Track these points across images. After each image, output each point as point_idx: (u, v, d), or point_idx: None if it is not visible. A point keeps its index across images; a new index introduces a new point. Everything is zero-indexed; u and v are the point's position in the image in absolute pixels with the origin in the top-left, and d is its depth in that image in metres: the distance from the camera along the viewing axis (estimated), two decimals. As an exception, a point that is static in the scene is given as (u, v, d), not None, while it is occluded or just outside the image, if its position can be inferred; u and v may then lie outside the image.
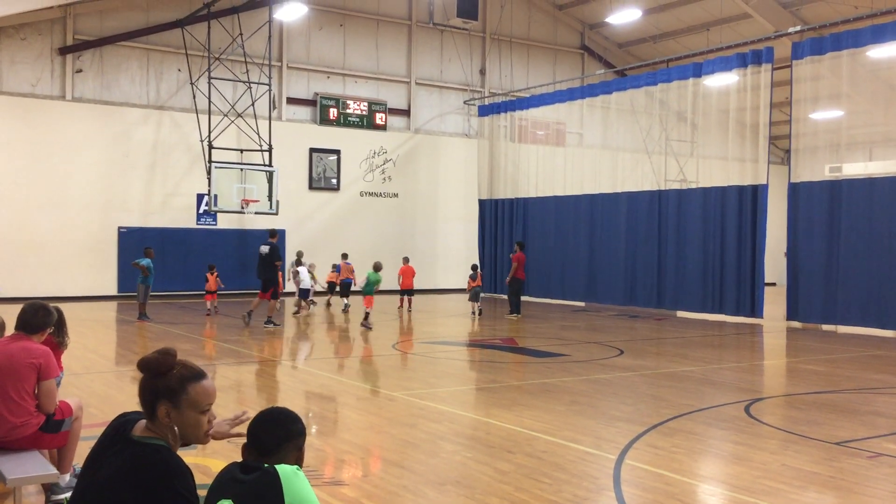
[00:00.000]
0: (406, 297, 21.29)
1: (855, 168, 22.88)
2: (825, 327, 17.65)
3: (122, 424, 2.78)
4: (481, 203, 28.13)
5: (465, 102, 29.42)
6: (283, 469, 2.56)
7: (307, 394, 10.01)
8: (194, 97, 23.57)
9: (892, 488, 6.11)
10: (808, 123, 19.11)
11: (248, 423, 2.88)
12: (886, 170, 22.75)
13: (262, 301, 17.03)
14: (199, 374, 2.79)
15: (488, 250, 27.65)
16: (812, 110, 18.97)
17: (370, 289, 17.21)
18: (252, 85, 23.86)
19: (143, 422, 2.75)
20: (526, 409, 8.72)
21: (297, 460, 2.76)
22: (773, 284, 25.36)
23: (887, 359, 13.42)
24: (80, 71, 23.32)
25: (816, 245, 17.71)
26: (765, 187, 19.00)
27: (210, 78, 23.19)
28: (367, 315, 16.66)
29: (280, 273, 17.68)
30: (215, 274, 20.24)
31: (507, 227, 26.96)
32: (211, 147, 23.02)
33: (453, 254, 29.02)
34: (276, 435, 2.73)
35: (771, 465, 6.60)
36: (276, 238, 17.60)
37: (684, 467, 6.55)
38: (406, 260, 21.99)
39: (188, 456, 6.39)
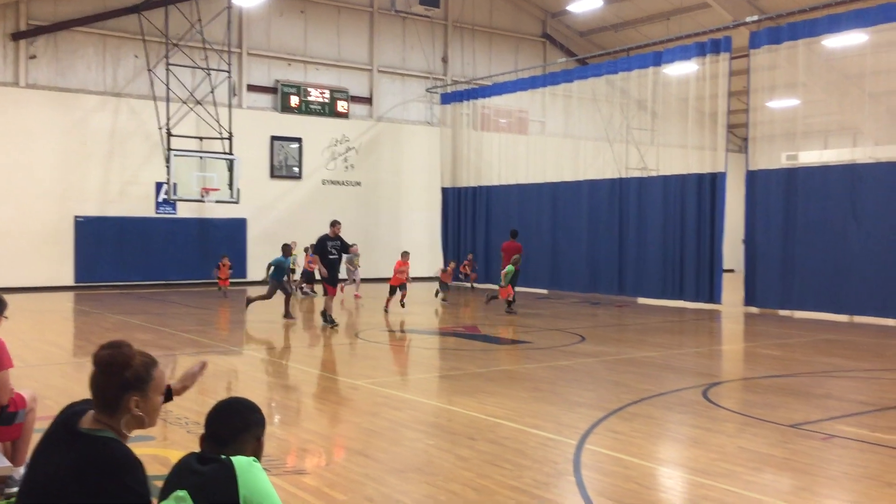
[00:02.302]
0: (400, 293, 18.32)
1: (810, 156, 23.30)
2: (782, 312, 17.99)
3: (69, 416, 2.74)
4: (444, 191, 28.13)
5: (427, 90, 29.36)
6: (239, 461, 2.54)
7: (269, 383, 9.96)
8: (152, 84, 23.19)
9: (844, 468, 6.27)
10: (765, 112, 19.40)
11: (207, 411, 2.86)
12: (840, 158, 23.22)
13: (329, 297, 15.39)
14: (154, 358, 2.83)
15: (451, 239, 27.68)
16: (769, 99, 19.26)
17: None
18: (211, 72, 23.55)
19: (90, 413, 2.71)
20: (488, 396, 8.78)
21: (256, 451, 2.74)
22: (732, 271, 25.72)
23: (841, 343, 13.73)
24: (33, 57, 22.81)
25: (773, 232, 18.02)
26: (723, 175, 19.26)
27: (168, 65, 22.85)
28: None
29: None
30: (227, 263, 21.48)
31: (470, 215, 27.01)
32: (170, 135, 22.70)
33: (417, 242, 28.96)
34: (234, 425, 2.71)
35: (727, 448, 6.72)
36: (288, 252, 17.32)
37: (643, 451, 6.64)
38: (405, 255, 18.80)
39: (149, 447, 6.35)
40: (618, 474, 5.98)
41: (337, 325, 14.82)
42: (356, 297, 21.04)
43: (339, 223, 15.52)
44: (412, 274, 28.19)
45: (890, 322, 16.15)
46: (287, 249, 17.27)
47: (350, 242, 16.71)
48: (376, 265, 26.23)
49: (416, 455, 6.50)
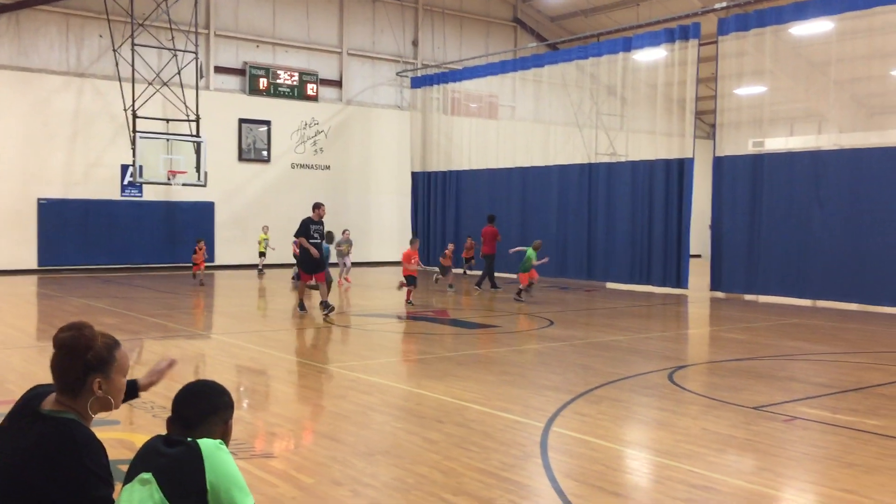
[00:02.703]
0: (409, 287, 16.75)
1: (776, 143, 23.55)
2: (747, 297, 18.24)
3: (30, 399, 2.70)
4: (414, 175, 28.07)
5: (397, 74, 29.20)
6: (206, 443, 2.52)
7: (237, 367, 9.90)
8: (117, 64, 22.77)
9: (805, 449, 6.38)
10: (733, 99, 19.57)
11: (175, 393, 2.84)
12: (806, 145, 23.51)
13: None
14: (115, 339, 2.81)
15: (421, 223, 27.65)
16: (736, 86, 19.42)
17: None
18: (178, 53, 23.20)
19: (52, 395, 2.68)
20: (457, 380, 8.80)
21: (224, 434, 2.72)
22: (698, 256, 26.01)
23: (804, 327, 13.95)
24: (-6, 35, 22.31)
25: (739, 218, 18.23)
26: (691, 161, 19.43)
27: (133, 45, 22.45)
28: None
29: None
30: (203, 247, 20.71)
31: (440, 199, 26.99)
32: (135, 116, 22.34)
33: (386, 226, 28.94)
34: (201, 408, 2.69)
35: (692, 430, 6.81)
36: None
37: (609, 433, 6.71)
38: (414, 243, 17.73)
39: (115, 431, 6.28)
40: (584, 456, 6.03)
41: (306, 313, 14.38)
42: (345, 281, 20.56)
43: (322, 205, 14.74)
44: (382, 258, 28.30)
45: (852, 306, 16.45)
46: (329, 237, 16.49)
47: (343, 228, 16.35)
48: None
49: (383, 438, 6.50)
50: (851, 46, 18.64)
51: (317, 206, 14.68)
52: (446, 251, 21.24)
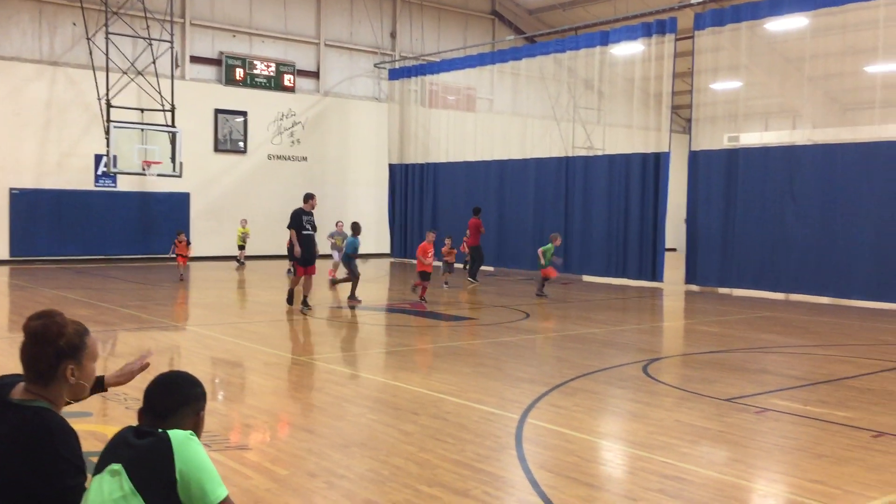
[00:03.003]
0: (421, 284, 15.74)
1: (751, 138, 23.75)
2: (721, 290, 18.40)
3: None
4: (392, 168, 28.01)
5: (375, 65, 29.11)
6: (176, 434, 2.50)
7: (213, 359, 9.85)
8: (91, 53, 22.53)
9: (776, 440, 6.46)
10: (709, 93, 19.71)
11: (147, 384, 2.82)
12: (780, 140, 23.72)
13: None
14: (85, 326, 2.82)
15: (399, 215, 27.62)
16: (712, 81, 19.56)
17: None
18: (153, 42, 22.97)
19: (21, 384, 2.66)
20: (433, 372, 8.82)
21: (196, 426, 2.70)
22: (674, 250, 26.23)
23: (776, 320, 14.11)
24: (-35, 22, 21.96)
25: (714, 212, 18.39)
26: (667, 155, 19.55)
27: (108, 33, 22.19)
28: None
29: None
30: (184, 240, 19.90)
31: (417, 192, 26.96)
32: (109, 106, 22.10)
33: (363, 218, 28.49)
34: (173, 399, 2.67)
35: (665, 422, 6.88)
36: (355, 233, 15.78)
37: (584, 425, 6.76)
38: (431, 236, 16.38)
39: (87, 423, 6.23)
40: (559, 447, 6.07)
41: (310, 309, 13.80)
42: (330, 273, 19.67)
43: (314, 196, 14.28)
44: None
45: (823, 300, 16.66)
46: (357, 228, 15.90)
47: (336, 220, 15.94)
48: (323, 242, 25.98)
49: (359, 430, 6.51)
50: (825, 42, 18.83)
51: (308, 197, 14.21)
52: (443, 248, 19.93)
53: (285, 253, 15.42)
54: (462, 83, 27.23)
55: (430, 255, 15.46)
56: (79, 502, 2.50)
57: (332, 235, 20.03)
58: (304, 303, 13.93)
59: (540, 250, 17.07)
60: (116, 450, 2.54)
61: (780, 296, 17.40)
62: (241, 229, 23.96)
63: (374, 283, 20.12)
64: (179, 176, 22.82)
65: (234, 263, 23.75)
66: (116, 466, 2.45)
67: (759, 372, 9.37)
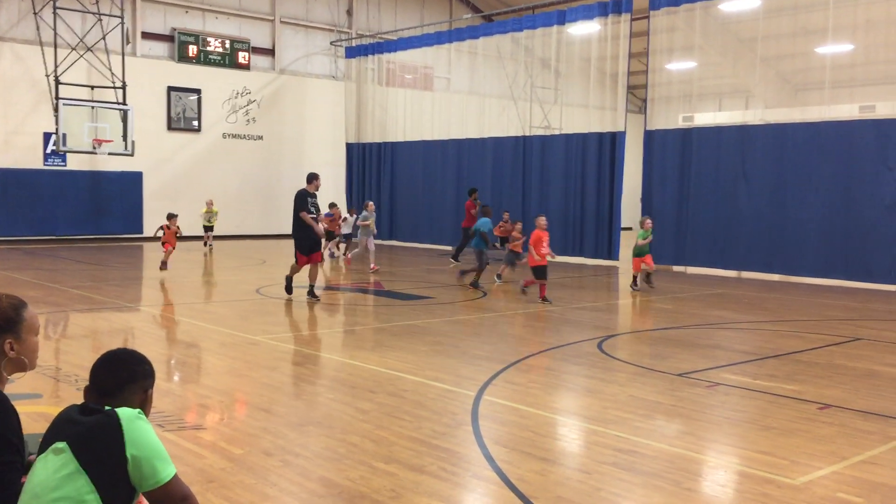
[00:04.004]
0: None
1: (705, 118, 24.06)
2: (675, 268, 18.68)
3: None
4: (349, 147, 27.83)
5: (331, 43, 28.80)
6: (124, 412, 2.47)
7: (167, 340, 9.74)
8: (38, 28, 21.91)
9: (726, 413, 6.61)
10: (664, 74, 19.89)
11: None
12: (733, 120, 24.06)
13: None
14: (22, 300, 2.80)
15: (356, 195, 27.47)
16: (667, 61, 19.73)
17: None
18: (103, 17, 22.43)
19: None
20: (390, 351, 8.83)
21: (143, 404, 2.67)
22: (629, 229, 26.49)
23: (728, 297, 14.38)
24: None
25: (668, 191, 18.62)
26: (622, 135, 19.71)
27: (55, 8, 21.61)
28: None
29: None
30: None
31: (374, 171, 26.84)
32: (58, 83, 21.56)
33: (320, 198, 28.50)
34: (120, 376, 2.63)
35: (619, 397, 6.99)
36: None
37: (539, 401, 6.83)
38: (543, 219, 13.51)
39: (38, 404, 6.13)
40: (514, 423, 6.14)
41: (318, 300, 12.60)
42: (373, 269, 16.98)
43: (318, 177, 13.00)
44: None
45: (774, 277, 17.02)
46: (487, 211, 15.01)
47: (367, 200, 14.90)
48: (280, 221, 25.83)
49: (315, 409, 6.50)
50: (777, 23, 19.11)
51: (313, 178, 12.90)
52: (510, 226, 16.91)
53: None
54: (419, 62, 27.09)
55: (544, 244, 12.87)
56: (14, 479, 2.46)
57: (363, 218, 17.66)
58: (311, 293, 12.59)
59: (640, 242, 14.49)
60: (60, 428, 2.50)
61: (732, 273, 17.73)
62: (206, 209, 22.30)
63: (332, 262, 20.00)
64: (131, 155, 22.40)
65: (202, 247, 22.22)
66: (61, 444, 2.42)
67: (710, 347, 9.56)
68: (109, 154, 22.22)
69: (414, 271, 17.98)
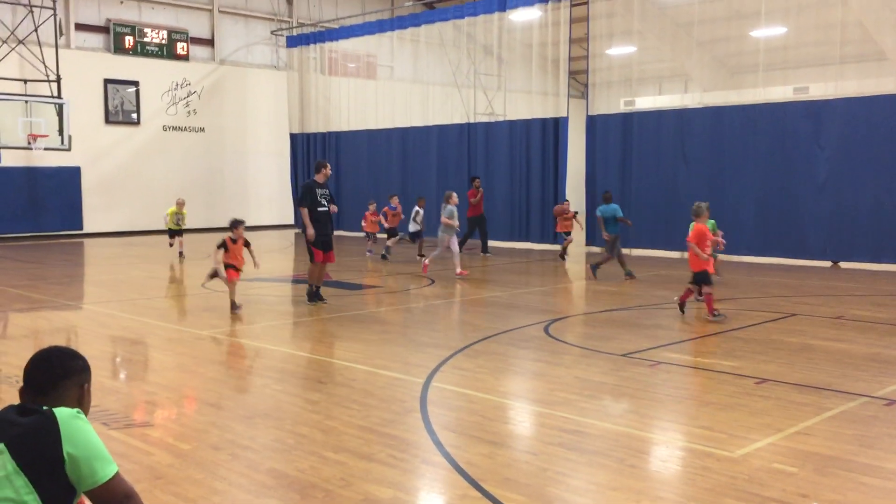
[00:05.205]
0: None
1: (646, 102, 24.44)
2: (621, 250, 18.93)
3: None
4: (293, 137, 27.58)
5: (272, 33, 28.46)
6: (62, 412, 2.45)
7: (112, 337, 9.59)
8: (-35, 21, 21.23)
9: (668, 391, 6.79)
10: (605, 59, 20.16)
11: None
12: (672, 103, 24.48)
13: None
14: None
15: (301, 185, 27.24)
16: (607, 46, 20.00)
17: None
18: (34, 8, 21.80)
19: None
20: (338, 341, 8.84)
21: (80, 401, 2.65)
22: (575, 213, 26.76)
23: (671, 277, 14.68)
24: None
25: (611, 174, 18.89)
26: (565, 120, 19.92)
27: (-17, -1, 20.95)
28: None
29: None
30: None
31: (319, 161, 26.64)
32: (-11, 77, 20.93)
33: (265, 190, 28.40)
34: (53, 373, 2.61)
35: (565, 378, 7.12)
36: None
37: (486, 385, 6.93)
38: (700, 211, 10.59)
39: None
40: (462, 408, 6.22)
41: (326, 302, 11.56)
42: (460, 274, 14.47)
43: (326, 164, 11.81)
44: (261, 222, 27.71)
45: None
46: (608, 197, 14.36)
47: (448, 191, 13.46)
48: (225, 214, 25.50)
49: (263, 401, 6.49)
50: (712, 7, 19.49)
51: (321, 167, 11.70)
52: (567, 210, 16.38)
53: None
54: (362, 50, 26.94)
55: (708, 243, 10.32)
56: None
57: (448, 213, 14.72)
58: (318, 294, 11.64)
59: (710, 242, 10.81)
60: None
61: (675, 254, 18.07)
62: (172, 209, 18.51)
63: (280, 253, 19.86)
64: (68, 149, 21.88)
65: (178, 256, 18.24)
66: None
67: (653, 327, 9.77)
68: (45, 149, 21.67)
69: (362, 261, 17.95)
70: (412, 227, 18.27)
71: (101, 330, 10.03)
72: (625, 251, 18.59)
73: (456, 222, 14.61)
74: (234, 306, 10.74)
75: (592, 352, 8.23)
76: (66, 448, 2.38)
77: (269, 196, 28.25)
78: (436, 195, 22.62)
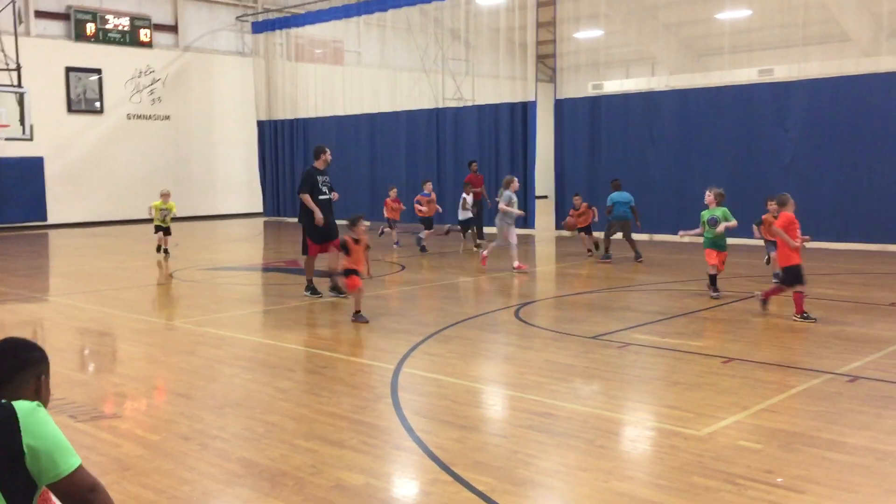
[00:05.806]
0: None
1: (614, 85, 24.53)
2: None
3: None
4: (260, 124, 27.33)
5: (237, 18, 28.10)
6: (21, 405, 2.40)
7: (78, 329, 9.47)
8: (-80, 8, 20.71)
9: (637, 372, 6.86)
10: (572, 42, 20.19)
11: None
12: (639, 86, 24.62)
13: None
14: None
15: (270, 173, 27.06)
16: (575, 30, 20.03)
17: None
18: (-9, -5, 21.31)
19: None
20: (308, 328, 8.81)
21: (38, 393, 2.61)
22: (545, 197, 26.89)
23: (643, 259, 14.80)
24: None
25: (580, 158, 18.97)
26: (533, 104, 19.94)
27: (-62, -14, 20.45)
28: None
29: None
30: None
31: (287, 148, 26.46)
32: (-54, 66, 20.45)
33: (233, 178, 28.13)
34: (8, 364, 2.56)
35: (535, 362, 7.16)
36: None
37: (457, 370, 6.95)
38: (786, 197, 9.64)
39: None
40: (433, 393, 6.24)
41: (320, 295, 10.92)
42: (518, 268, 13.32)
43: (326, 150, 11.36)
44: (229, 211, 27.47)
45: (684, 239, 17.53)
46: (616, 184, 13.90)
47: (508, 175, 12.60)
48: (192, 203, 25.27)
49: (233, 390, 6.46)
50: (678, -10, 19.58)
51: (320, 152, 11.25)
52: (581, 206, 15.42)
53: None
54: (329, 36, 26.72)
55: (798, 233, 9.00)
56: None
57: (506, 199, 13.53)
58: (311, 288, 11.05)
59: (718, 229, 10.79)
60: None
61: (644, 237, 18.18)
62: (157, 203, 16.54)
63: (249, 242, 19.72)
64: (30, 139, 21.46)
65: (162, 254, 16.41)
66: (-42, 441, 2.35)
67: (622, 309, 9.86)
68: (7, 139, 21.23)
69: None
70: (461, 216, 16.95)
71: (68, 322, 9.90)
72: (596, 234, 18.74)
73: (516, 210, 13.46)
74: (359, 317, 9.03)
75: (562, 335, 8.29)
76: (27, 441, 2.34)
77: (237, 184, 27.99)
78: (405, 180, 22.60)
